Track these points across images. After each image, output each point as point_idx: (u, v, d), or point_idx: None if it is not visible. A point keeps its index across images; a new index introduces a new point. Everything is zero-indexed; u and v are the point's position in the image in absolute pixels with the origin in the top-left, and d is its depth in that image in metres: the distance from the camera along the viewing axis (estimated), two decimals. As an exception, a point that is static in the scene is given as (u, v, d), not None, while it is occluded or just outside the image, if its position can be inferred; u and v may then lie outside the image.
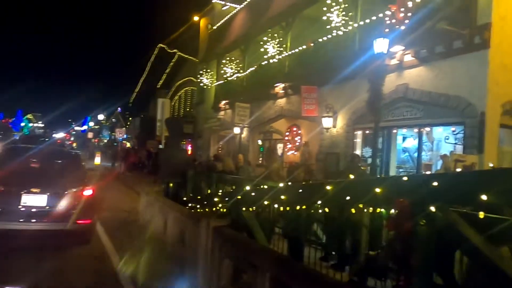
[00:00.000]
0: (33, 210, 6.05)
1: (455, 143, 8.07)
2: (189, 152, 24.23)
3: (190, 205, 6.41)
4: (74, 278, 5.30)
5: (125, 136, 34.49)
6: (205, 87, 19.77)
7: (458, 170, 6.32)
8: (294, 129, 14.50)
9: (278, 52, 13.37)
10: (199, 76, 19.56)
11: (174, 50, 30.20)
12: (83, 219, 6.30)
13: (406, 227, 2.68)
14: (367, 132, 10.33)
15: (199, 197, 6.17)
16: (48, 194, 6.16)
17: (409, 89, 8.63)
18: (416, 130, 9.05)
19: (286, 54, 13.15)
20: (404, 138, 10.31)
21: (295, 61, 12.73)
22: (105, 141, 51.30)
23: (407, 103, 8.83)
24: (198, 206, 6.09)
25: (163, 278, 5.38)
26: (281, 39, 13.35)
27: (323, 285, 2.85)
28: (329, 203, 3.33)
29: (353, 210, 3.14)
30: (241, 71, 16.53)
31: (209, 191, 6.21)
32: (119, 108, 53.38)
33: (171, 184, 7.73)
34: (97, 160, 28.70)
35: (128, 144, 37.85)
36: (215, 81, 19.35)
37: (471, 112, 7.34)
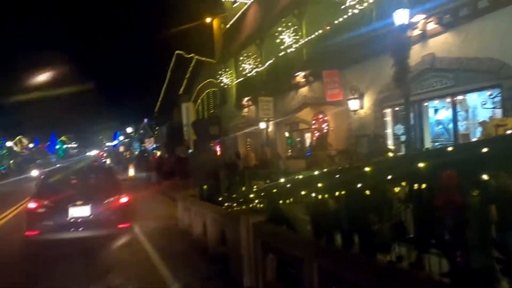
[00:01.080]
0: (79, 220, 6.91)
1: (493, 108, 7.64)
2: (218, 153, 24.40)
3: (226, 204, 6.38)
4: (121, 280, 5.53)
5: (154, 145, 35.15)
6: (225, 86, 19.80)
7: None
8: (320, 116, 14.25)
9: (294, 41, 13.16)
10: (218, 76, 19.59)
11: (191, 55, 30.39)
12: (123, 223, 7.18)
13: (457, 200, 2.51)
14: (397, 109, 9.99)
15: (234, 195, 6.12)
16: (90, 204, 7.00)
17: (436, 58, 8.24)
18: (448, 100, 8.65)
19: (303, 41, 12.92)
20: (436, 110, 9.88)
21: (313, 48, 12.49)
22: (136, 152, 52.54)
23: (436, 73, 8.44)
24: (234, 204, 6.05)
25: (207, 279, 5.40)
26: (295, 27, 13.13)
27: (377, 271, 2.72)
28: (370, 186, 3.19)
29: (396, 190, 2.98)
30: (260, 65, 16.41)
31: (243, 188, 6.16)
32: (145, 120, 54.51)
33: (205, 187, 7.73)
34: (131, 172, 29.45)
35: (158, 153, 38.58)
36: (235, 80, 19.34)
37: (507, 72, 6.92)
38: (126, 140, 64.06)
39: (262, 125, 15.66)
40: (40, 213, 6.93)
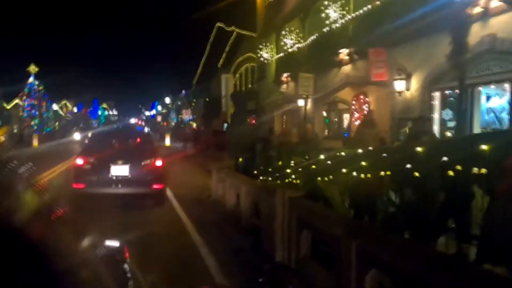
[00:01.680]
0: (119, 178, 7.61)
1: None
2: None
3: (261, 178, 6.31)
4: (154, 240, 5.64)
5: (191, 117, 35.63)
6: (265, 61, 19.48)
7: None
8: (361, 97, 13.76)
9: (340, 16, 12.61)
10: (258, 51, 19.29)
11: (232, 28, 30.08)
12: (157, 184, 7.76)
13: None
14: (446, 92, 9.41)
15: (270, 169, 6.03)
16: (129, 165, 7.67)
17: (497, 39, 7.60)
18: (507, 85, 8.01)
19: (350, 17, 12.36)
20: (488, 97, 9.22)
21: (360, 24, 11.92)
22: (173, 123, 53.61)
23: (495, 55, 7.81)
24: (269, 178, 5.97)
25: (239, 250, 5.40)
26: (343, 1, 12.55)
27: (421, 256, 2.55)
28: (421, 167, 2.97)
29: (451, 173, 2.75)
30: (302, 41, 15.96)
31: (280, 163, 6.05)
32: (183, 91, 55.27)
33: (240, 159, 7.70)
34: (167, 141, 30.10)
35: (194, 125, 39.14)
36: (275, 55, 18.98)
37: None
38: (164, 110, 65.37)
39: (300, 102, 15.36)
40: (86, 169, 7.67)
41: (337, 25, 12.80)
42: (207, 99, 36.30)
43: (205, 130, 25.41)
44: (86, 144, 9.10)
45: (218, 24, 33.02)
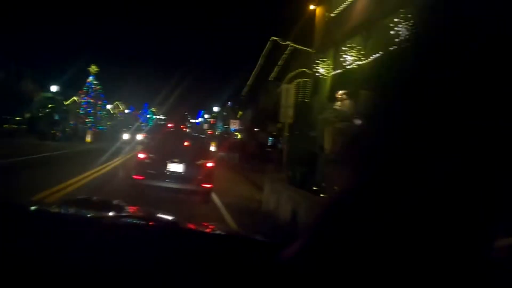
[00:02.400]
0: (174, 174, 8.51)
1: None
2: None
3: (322, 195, 5.84)
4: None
5: (237, 127, 35.75)
6: (320, 77, 19.05)
7: None
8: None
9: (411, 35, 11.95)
10: (315, 65, 18.91)
11: (287, 42, 30.01)
12: (206, 183, 8.61)
13: None
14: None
15: (335, 187, 5.53)
16: (183, 163, 8.56)
17: None
18: None
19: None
20: None
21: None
22: (217, 132, 54.22)
23: None
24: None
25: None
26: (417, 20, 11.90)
27: None
28: None
29: None
30: (362, 58, 15.39)
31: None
32: (229, 102, 55.91)
33: (296, 172, 7.28)
34: (212, 149, 30.26)
35: (239, 136, 39.23)
36: (331, 71, 18.51)
37: None
38: (210, 119, 66.42)
39: (358, 121, 14.79)
40: (146, 163, 8.70)
41: (407, 44, 12.14)
42: (255, 111, 36.31)
43: (250, 141, 25.24)
44: (149, 142, 10.50)
45: (273, 38, 33.12)
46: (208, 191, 8.89)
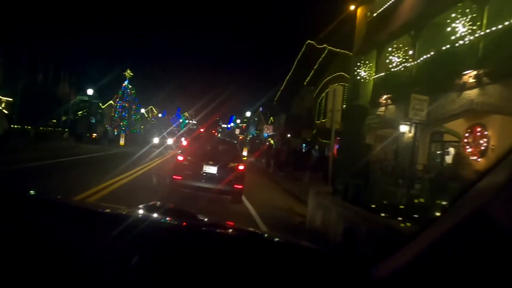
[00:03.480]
0: (209, 175, 9.12)
1: None
2: (335, 152, 22.71)
3: (383, 215, 4.87)
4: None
5: (269, 133, 34.92)
6: (362, 80, 17.93)
7: None
8: (478, 129, 11.64)
9: (469, 32, 10.75)
10: (356, 68, 17.82)
11: (323, 45, 28.98)
12: (238, 184, 9.19)
13: None
14: None
15: (401, 206, 4.56)
16: (217, 166, 9.18)
17: None
18: None
19: (481, 33, 10.45)
20: None
21: (495, 42, 9.97)
22: (248, 138, 53.64)
23: None
24: (400, 218, 4.50)
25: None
26: (474, 15, 10.69)
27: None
28: None
29: None
30: (410, 60, 14.21)
31: (420, 200, 4.57)
32: (260, 108, 55.41)
33: (348, 186, 6.32)
34: (244, 154, 29.58)
35: (272, 141, 38.40)
36: (373, 74, 17.37)
37: None
38: (241, 124, 66.04)
39: (403, 128, 13.59)
40: (184, 164, 9.34)
41: (463, 42, 10.94)
42: (288, 117, 35.42)
43: (284, 147, 24.30)
44: (187, 145, 10.88)
45: (309, 41, 32.17)
46: (239, 192, 9.46)
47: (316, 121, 29.88)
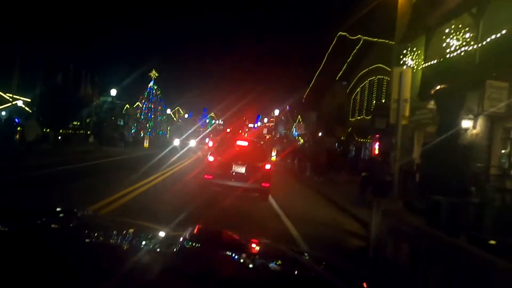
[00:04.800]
0: (238, 175, 9.59)
1: None
2: (376, 152, 20.57)
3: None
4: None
5: (299, 132, 32.98)
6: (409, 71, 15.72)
7: None
8: None
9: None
10: (401, 58, 15.64)
11: (358, 36, 26.75)
12: (265, 183, 9.56)
13: None
14: None
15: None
16: (246, 165, 9.66)
17: None
18: None
19: None
20: None
21: None
22: (277, 137, 51.81)
23: None
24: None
25: None
26: None
27: None
28: None
29: None
30: (472, 42, 11.99)
31: None
32: (287, 107, 53.57)
33: (441, 206, 4.41)
34: (273, 154, 27.78)
35: (301, 141, 36.42)
36: (422, 63, 15.17)
37: None
38: (269, 124, 64.37)
39: (466, 123, 11.43)
40: (215, 164, 9.80)
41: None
42: (320, 115, 33.34)
43: (318, 147, 22.27)
44: (217, 146, 11.07)
45: (340, 33, 29.97)
46: (267, 190, 9.85)
47: (351, 119, 27.72)
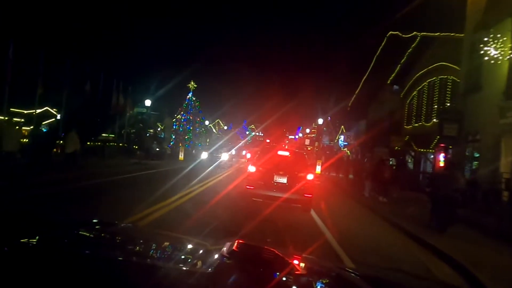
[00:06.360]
0: (280, 185, 9.65)
1: None
2: (441, 164, 17.27)
3: None
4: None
5: (350, 142, 30.04)
6: (489, 63, 12.67)
7: None
8: None
9: None
10: (483, 46, 12.59)
11: (413, 34, 23.69)
12: (308, 193, 9.52)
13: None
14: None
15: None
16: (287, 176, 9.72)
17: None
18: None
19: None
20: None
21: None
22: (320, 147, 48.87)
23: None
24: None
25: None
26: None
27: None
28: None
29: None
30: None
31: None
32: (329, 117, 50.97)
33: None
34: (318, 169, 25.11)
35: (348, 152, 33.37)
36: (509, 52, 12.08)
37: None
38: (311, 134, 61.69)
39: None
40: (256, 175, 9.89)
41: None
42: (369, 124, 30.25)
43: (372, 160, 19.27)
44: (258, 156, 10.77)
45: (391, 32, 26.96)
46: (309, 200, 9.53)
47: (406, 126, 24.48)
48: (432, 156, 19.79)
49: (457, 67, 17.59)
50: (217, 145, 37.21)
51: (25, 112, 27.92)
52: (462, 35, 16.33)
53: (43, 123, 22.19)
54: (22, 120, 27.75)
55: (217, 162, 26.63)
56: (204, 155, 30.08)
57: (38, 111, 22.61)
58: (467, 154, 14.85)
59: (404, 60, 25.01)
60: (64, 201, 8.22)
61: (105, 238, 1.75)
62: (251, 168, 10.05)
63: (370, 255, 6.29)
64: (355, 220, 10.23)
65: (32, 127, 15.56)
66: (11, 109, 22.52)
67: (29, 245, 1.40)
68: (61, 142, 16.71)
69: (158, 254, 1.66)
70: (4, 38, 15.31)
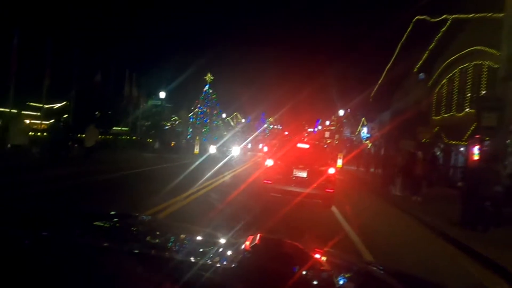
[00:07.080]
0: (299, 179, 9.20)
1: None
2: (476, 158, 15.73)
3: None
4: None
5: (374, 133, 28.58)
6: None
7: None
8: None
9: None
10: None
11: (443, 17, 21.96)
12: (329, 188, 9.05)
13: None
14: None
15: None
16: (307, 170, 9.25)
17: None
18: None
19: None
20: None
21: None
22: (337, 141, 47.37)
23: None
24: None
25: None
26: None
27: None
28: None
29: None
30: None
31: None
32: (348, 109, 49.49)
33: None
34: (339, 162, 23.89)
35: (370, 144, 31.91)
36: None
37: None
38: (329, 127, 60.24)
39: None
40: (274, 169, 9.43)
41: None
42: (395, 114, 28.70)
43: (400, 153, 17.87)
44: (275, 149, 10.50)
45: (418, 17, 25.23)
46: (331, 195, 9.12)
47: (435, 117, 22.89)
48: (463, 149, 18.26)
49: (495, 51, 15.98)
50: (225, 138, 34.35)
51: (45, 106, 27.62)
52: (502, 14, 14.73)
53: (64, 116, 21.71)
54: (38, 113, 27.47)
55: (227, 158, 23.64)
56: (212, 149, 27.49)
57: (58, 105, 22.13)
58: (507, 146, 13.37)
59: (432, 46, 23.32)
60: (87, 193, 8.48)
61: (128, 230, 1.73)
62: (269, 162, 9.68)
63: (412, 269, 5.15)
64: (387, 225, 8.90)
65: (52, 120, 15.31)
66: (28, 103, 22.13)
67: (48, 237, 1.36)
68: (79, 136, 16.69)
69: (177, 247, 1.64)
70: (8, 28, 14.69)
